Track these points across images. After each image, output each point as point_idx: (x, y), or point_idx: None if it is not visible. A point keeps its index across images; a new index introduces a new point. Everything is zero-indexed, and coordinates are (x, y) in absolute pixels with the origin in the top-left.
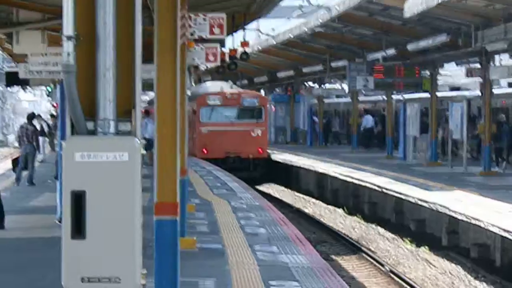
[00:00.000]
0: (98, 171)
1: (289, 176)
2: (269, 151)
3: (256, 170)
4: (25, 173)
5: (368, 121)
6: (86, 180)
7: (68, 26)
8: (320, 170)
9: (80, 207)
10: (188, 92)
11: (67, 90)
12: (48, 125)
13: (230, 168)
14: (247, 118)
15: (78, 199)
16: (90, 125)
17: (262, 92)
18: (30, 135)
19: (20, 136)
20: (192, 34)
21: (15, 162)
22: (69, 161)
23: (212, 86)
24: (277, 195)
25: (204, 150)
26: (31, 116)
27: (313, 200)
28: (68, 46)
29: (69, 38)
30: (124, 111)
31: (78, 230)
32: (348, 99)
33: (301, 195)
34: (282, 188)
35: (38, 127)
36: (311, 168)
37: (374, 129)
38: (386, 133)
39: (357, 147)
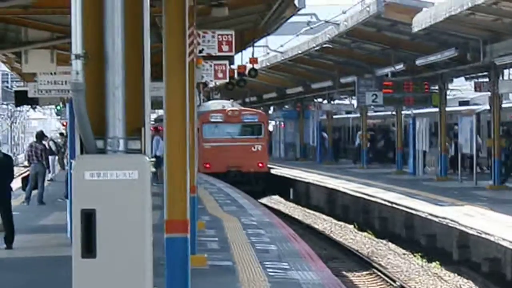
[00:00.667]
0: (108, 190)
1: (287, 189)
2: (269, 165)
3: (257, 184)
4: (34, 192)
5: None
6: (96, 198)
7: (76, 44)
8: (323, 185)
9: (90, 226)
10: None
11: (76, 108)
12: (55, 143)
13: (232, 182)
14: (247, 134)
15: (88, 218)
16: (99, 143)
17: (272, 108)
18: (39, 153)
19: (30, 155)
20: (200, 52)
21: (24, 181)
22: (79, 179)
23: (214, 104)
24: (275, 206)
25: (207, 165)
26: (41, 135)
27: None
28: (77, 65)
29: (77, 56)
30: (134, 129)
31: (89, 249)
32: (357, 115)
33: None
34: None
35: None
36: (311, 181)
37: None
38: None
39: (355, 162)
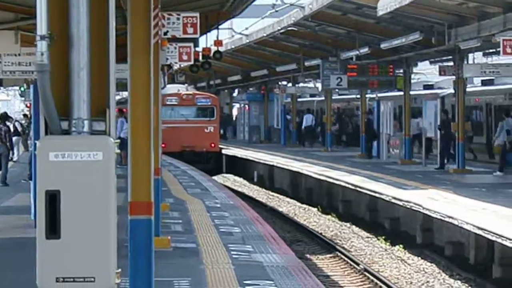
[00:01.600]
0: (73, 171)
1: (236, 167)
2: (221, 146)
3: (209, 163)
4: None
5: (308, 119)
6: (61, 179)
7: (41, 25)
8: (288, 167)
9: (54, 207)
10: None
11: (41, 89)
12: (21, 124)
13: (186, 160)
14: (200, 117)
15: (53, 198)
16: (64, 124)
17: (236, 91)
18: (3, 135)
19: None
20: (165, 34)
21: None
22: (44, 160)
23: (170, 88)
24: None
25: (162, 145)
26: (5, 116)
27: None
28: (42, 46)
29: (42, 37)
30: (98, 111)
31: (53, 230)
32: (322, 98)
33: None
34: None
35: (11, 127)
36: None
37: (313, 127)
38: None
39: (299, 143)
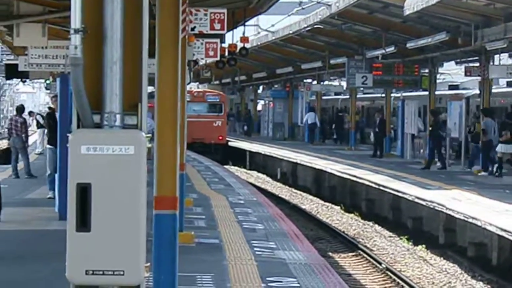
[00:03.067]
0: (104, 164)
1: (242, 159)
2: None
3: (217, 154)
4: (20, 165)
5: (311, 117)
6: (92, 173)
7: (75, 19)
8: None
9: (85, 200)
10: None
11: (74, 83)
12: (42, 117)
13: (196, 151)
14: (210, 112)
15: (84, 191)
16: (96, 118)
17: (261, 88)
18: (19, 127)
19: (10, 129)
20: (192, 29)
21: (5, 154)
22: (75, 153)
23: None
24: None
25: None
26: (21, 109)
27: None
28: (76, 39)
29: (76, 31)
30: (130, 105)
31: (83, 222)
32: (347, 96)
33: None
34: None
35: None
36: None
37: (317, 125)
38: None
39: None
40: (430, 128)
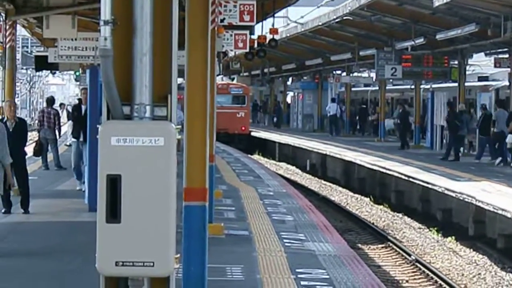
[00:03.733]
0: (134, 155)
1: (264, 148)
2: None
3: (240, 143)
4: (51, 157)
5: (332, 108)
6: (122, 164)
7: (105, 10)
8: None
9: (115, 191)
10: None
11: (104, 74)
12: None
13: (220, 141)
14: (234, 103)
15: (114, 183)
16: (126, 109)
17: (290, 79)
18: (52, 119)
19: (41, 121)
20: (222, 21)
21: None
22: (105, 145)
23: None
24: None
25: None
26: (51, 100)
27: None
28: (105, 31)
29: (106, 22)
30: (160, 96)
31: (113, 214)
32: (376, 88)
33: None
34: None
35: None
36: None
37: (338, 116)
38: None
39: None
40: (447, 120)
